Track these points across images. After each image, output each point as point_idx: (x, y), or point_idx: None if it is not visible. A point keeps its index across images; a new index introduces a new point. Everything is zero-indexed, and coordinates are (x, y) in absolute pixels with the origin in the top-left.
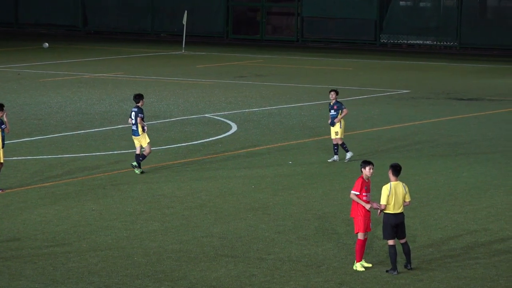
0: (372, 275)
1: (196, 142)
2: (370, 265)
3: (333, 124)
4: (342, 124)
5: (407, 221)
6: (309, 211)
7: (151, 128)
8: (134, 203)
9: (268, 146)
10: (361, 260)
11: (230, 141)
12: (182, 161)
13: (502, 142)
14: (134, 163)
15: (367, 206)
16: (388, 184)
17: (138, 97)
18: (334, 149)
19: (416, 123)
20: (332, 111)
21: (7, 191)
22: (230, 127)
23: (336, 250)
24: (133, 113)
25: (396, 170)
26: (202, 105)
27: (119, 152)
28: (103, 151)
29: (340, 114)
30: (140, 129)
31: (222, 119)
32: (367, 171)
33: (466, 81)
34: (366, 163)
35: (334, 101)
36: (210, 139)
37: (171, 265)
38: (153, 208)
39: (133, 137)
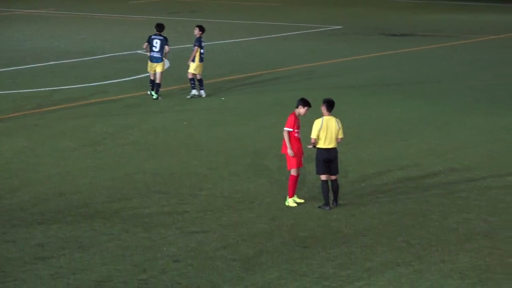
0: (305, 210)
1: (128, 78)
2: (302, 200)
3: (193, 60)
4: (196, 60)
5: (340, 156)
6: (241, 147)
7: (81, 65)
8: (65, 139)
9: None
10: (293, 196)
11: (162, 77)
12: (114, 97)
13: (435, 77)
14: (154, 94)
15: (290, 152)
16: (321, 119)
17: (163, 26)
18: (191, 84)
19: (349, 59)
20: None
21: None
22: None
23: (269, 185)
24: (156, 41)
25: (330, 105)
26: (134, 41)
27: (50, 88)
28: (34, 88)
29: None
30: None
31: None
32: (302, 110)
33: (399, 17)
34: (304, 103)
35: (197, 36)
36: (142, 75)
37: (103, 202)
38: (85, 145)
39: (152, 63)
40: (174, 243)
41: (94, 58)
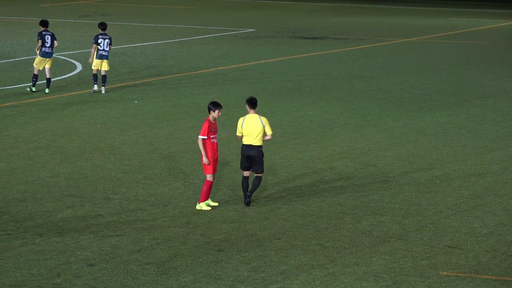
0: (219, 213)
1: (41, 81)
2: (216, 204)
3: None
4: (94, 57)
5: None
6: (155, 151)
7: None
8: None
9: (113, 86)
10: (205, 201)
11: (75, 81)
12: (27, 101)
13: (347, 80)
14: (33, 88)
15: (205, 161)
16: (243, 117)
17: (47, 22)
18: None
19: (261, 62)
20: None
21: None
22: (75, 67)
23: (183, 189)
24: (48, 37)
25: (252, 103)
26: None
27: None
28: None
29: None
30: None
31: (67, 58)
32: (216, 114)
33: (311, 20)
34: (215, 105)
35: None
36: (55, 78)
37: (17, 206)
38: None
39: (43, 58)
40: (88, 247)
41: (7, 62)
